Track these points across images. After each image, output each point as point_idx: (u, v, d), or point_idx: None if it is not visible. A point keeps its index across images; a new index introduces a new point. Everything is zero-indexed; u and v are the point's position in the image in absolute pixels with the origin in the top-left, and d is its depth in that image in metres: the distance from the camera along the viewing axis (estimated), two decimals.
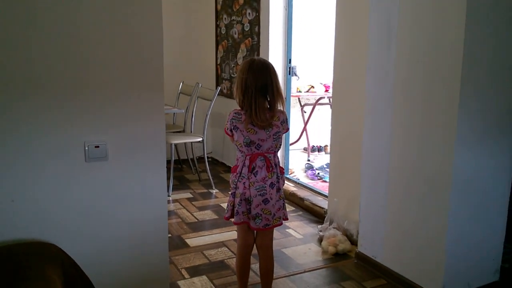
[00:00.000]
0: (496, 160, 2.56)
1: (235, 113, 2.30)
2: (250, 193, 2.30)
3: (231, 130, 2.32)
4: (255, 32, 4.67)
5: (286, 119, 2.36)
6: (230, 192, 2.40)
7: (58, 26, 1.93)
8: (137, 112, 2.14)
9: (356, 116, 3.25)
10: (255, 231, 2.46)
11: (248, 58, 2.36)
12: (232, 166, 2.44)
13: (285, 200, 2.50)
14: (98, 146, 2.05)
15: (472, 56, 2.31)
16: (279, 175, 2.36)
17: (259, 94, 2.22)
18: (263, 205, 2.31)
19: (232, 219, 2.40)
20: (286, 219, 2.46)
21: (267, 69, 2.26)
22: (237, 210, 2.34)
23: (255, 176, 2.30)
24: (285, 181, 4.14)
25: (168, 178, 4.34)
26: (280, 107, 2.34)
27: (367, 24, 2.89)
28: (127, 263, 2.23)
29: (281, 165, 2.43)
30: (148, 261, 2.29)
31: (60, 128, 1.99)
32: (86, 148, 2.03)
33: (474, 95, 2.37)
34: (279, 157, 2.43)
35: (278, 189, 2.36)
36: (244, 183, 2.31)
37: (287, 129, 2.39)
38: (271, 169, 2.32)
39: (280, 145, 2.37)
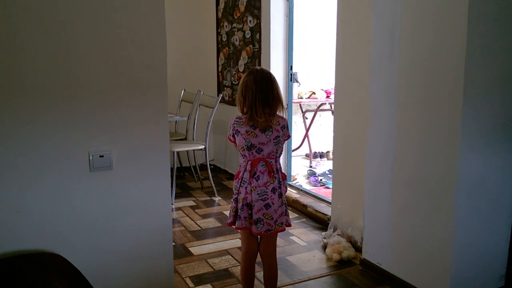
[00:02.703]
0: (502, 163, 2.55)
1: (237, 118, 2.37)
2: (252, 197, 2.31)
3: (233, 136, 2.37)
4: (256, 39, 4.68)
5: (287, 125, 2.39)
6: (232, 198, 2.41)
7: (61, 31, 1.93)
8: (141, 120, 2.14)
9: (358, 121, 3.26)
10: (259, 238, 2.46)
11: (251, 68, 2.43)
12: (235, 174, 2.46)
13: (288, 207, 2.50)
14: (102, 156, 2.04)
15: (476, 58, 2.31)
16: (281, 180, 2.38)
17: (260, 96, 2.28)
18: (264, 210, 2.31)
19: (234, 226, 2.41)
20: (289, 225, 2.47)
21: (268, 76, 2.35)
22: (239, 215, 2.35)
23: (257, 181, 2.31)
24: (288, 188, 4.15)
25: (171, 186, 4.33)
26: (280, 114, 2.39)
27: (369, 29, 2.90)
28: (132, 273, 2.22)
29: (283, 171, 2.44)
30: (153, 271, 2.28)
31: (65, 138, 1.99)
32: (91, 157, 2.03)
33: (478, 97, 2.37)
34: (280, 163, 2.45)
35: (280, 195, 2.37)
36: (246, 187, 2.32)
37: (288, 136, 2.41)
38: (272, 174, 2.33)
39: (281, 150, 2.40)
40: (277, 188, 2.35)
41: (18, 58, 1.88)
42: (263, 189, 2.32)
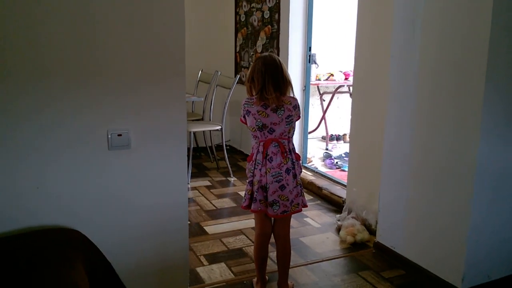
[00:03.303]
0: None
1: (247, 99, 2.39)
2: (267, 180, 2.32)
3: (244, 117, 2.38)
4: (275, 20, 4.63)
5: (298, 105, 2.39)
6: (247, 181, 2.42)
7: (80, 13, 1.94)
8: (159, 100, 2.15)
9: (377, 105, 3.22)
10: (272, 220, 2.48)
11: (258, 55, 2.45)
12: (248, 155, 2.47)
13: (303, 189, 2.50)
14: (120, 135, 2.07)
15: (500, 43, 2.26)
16: (294, 161, 2.38)
17: (270, 78, 2.29)
18: (279, 191, 2.32)
19: (249, 209, 2.42)
20: (305, 206, 2.48)
21: (276, 59, 2.36)
22: (255, 197, 2.36)
23: (270, 163, 2.32)
24: (303, 170, 4.15)
25: (187, 166, 4.37)
26: (291, 94, 2.40)
27: (391, 11, 2.85)
28: (147, 249, 2.26)
29: (297, 152, 2.44)
30: (168, 248, 2.32)
31: (84, 116, 2.01)
32: (109, 136, 2.05)
33: (501, 84, 2.33)
34: (296, 145, 2.44)
35: (295, 175, 2.37)
36: (260, 169, 2.33)
37: (299, 116, 2.42)
38: (285, 154, 2.33)
39: (294, 130, 2.40)
40: (291, 168, 2.35)
41: (42, 39, 1.90)
42: (277, 170, 2.32)
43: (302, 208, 2.46)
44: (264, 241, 2.50)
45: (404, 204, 2.83)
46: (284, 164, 2.33)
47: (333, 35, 6.01)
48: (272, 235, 2.52)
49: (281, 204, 2.34)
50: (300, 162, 2.46)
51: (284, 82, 2.33)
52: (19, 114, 1.90)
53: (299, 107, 2.40)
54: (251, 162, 2.40)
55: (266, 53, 2.43)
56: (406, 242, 2.87)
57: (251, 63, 5.17)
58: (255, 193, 2.36)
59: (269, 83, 2.28)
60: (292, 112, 2.34)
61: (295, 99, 2.40)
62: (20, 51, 1.87)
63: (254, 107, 2.32)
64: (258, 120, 2.31)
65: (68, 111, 1.98)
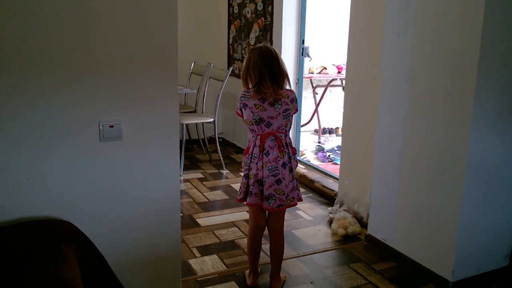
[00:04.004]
0: (509, 145, 2.53)
1: (244, 91, 2.36)
2: (263, 174, 2.31)
3: (241, 110, 2.36)
4: (268, 12, 4.62)
5: (296, 98, 2.38)
6: (243, 174, 2.42)
7: (72, 6, 1.92)
8: (151, 92, 2.14)
9: (369, 99, 3.23)
10: (266, 213, 2.48)
11: (253, 46, 2.43)
12: (244, 149, 2.46)
13: (298, 183, 2.51)
14: (112, 126, 2.05)
15: (492, 36, 2.27)
16: (291, 155, 2.37)
17: (266, 70, 2.27)
18: (276, 185, 2.32)
19: (245, 202, 2.42)
20: (301, 199, 2.48)
21: (272, 51, 2.33)
22: (251, 191, 2.35)
23: (267, 157, 2.31)
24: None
25: (179, 158, 4.36)
26: (288, 87, 2.38)
27: (383, 4, 2.85)
28: (140, 241, 2.25)
29: (293, 146, 2.44)
30: (160, 240, 2.31)
31: (75, 107, 1.99)
32: (101, 127, 2.04)
33: (492, 77, 2.35)
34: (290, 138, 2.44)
35: (291, 169, 2.37)
36: (256, 163, 2.32)
37: (297, 110, 2.40)
38: (282, 148, 2.33)
39: (291, 124, 2.39)
40: (287, 162, 2.35)
41: (34, 33, 1.88)
42: (274, 164, 2.32)
43: (298, 202, 2.47)
44: (258, 234, 2.50)
45: (396, 197, 2.85)
46: (281, 158, 2.33)
47: (326, 28, 6.01)
48: (266, 228, 2.52)
49: (276, 198, 2.34)
50: (296, 156, 2.45)
51: (281, 75, 2.30)
52: (11, 105, 1.88)
53: (296, 100, 2.38)
54: (247, 155, 2.39)
55: (261, 44, 2.40)
56: (397, 235, 2.89)
57: (244, 55, 5.16)
58: (251, 186, 2.36)
59: (266, 76, 2.25)
60: (290, 105, 2.33)
61: (293, 92, 2.38)
62: (12, 46, 1.85)
63: (251, 101, 2.30)
64: (255, 114, 2.30)
65: (60, 103, 1.96)
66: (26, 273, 1.63)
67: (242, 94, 2.35)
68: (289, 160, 2.36)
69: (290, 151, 2.37)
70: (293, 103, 2.35)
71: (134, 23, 2.05)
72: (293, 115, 2.40)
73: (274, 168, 2.31)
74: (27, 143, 1.94)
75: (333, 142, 5.67)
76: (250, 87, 2.34)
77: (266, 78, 2.25)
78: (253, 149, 2.35)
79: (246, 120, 2.34)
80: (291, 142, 2.42)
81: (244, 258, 2.84)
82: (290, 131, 2.47)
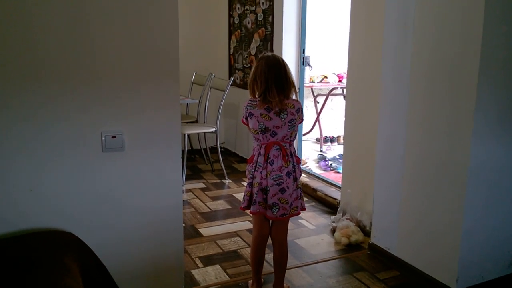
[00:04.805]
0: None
1: (250, 100, 2.35)
2: (267, 182, 2.31)
3: (246, 118, 2.36)
4: (268, 22, 4.64)
5: (301, 108, 2.38)
6: (247, 183, 2.42)
7: (73, 14, 1.94)
8: (153, 102, 2.15)
9: (370, 107, 3.24)
10: (270, 222, 2.48)
11: (262, 54, 2.43)
12: (248, 158, 2.46)
13: (302, 192, 2.50)
14: (114, 137, 2.06)
15: (492, 41, 2.27)
16: (295, 164, 2.37)
17: (273, 80, 2.26)
18: (280, 194, 2.32)
19: (248, 210, 2.42)
20: (304, 209, 2.48)
21: (280, 60, 2.34)
22: (254, 199, 2.35)
23: (272, 166, 2.31)
24: None
25: (181, 168, 4.37)
26: (294, 97, 2.38)
27: (383, 12, 2.86)
28: (142, 252, 2.25)
29: (297, 155, 2.44)
30: (163, 250, 2.31)
31: (77, 118, 2.00)
32: (103, 138, 2.05)
33: (493, 82, 2.34)
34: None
35: (295, 179, 2.37)
36: (261, 172, 2.32)
37: (302, 120, 2.41)
38: (286, 158, 2.32)
39: (296, 134, 2.39)
40: (291, 172, 2.35)
41: (36, 41, 1.89)
42: (278, 173, 2.31)
43: (301, 211, 2.46)
44: (261, 243, 2.49)
45: (398, 205, 2.84)
46: (285, 167, 2.32)
47: (327, 38, 6.03)
48: (269, 237, 2.51)
49: (280, 207, 2.34)
50: (300, 165, 2.45)
51: (288, 84, 2.30)
52: (13, 116, 1.89)
53: (302, 110, 2.38)
54: (251, 164, 2.39)
55: (269, 53, 2.40)
56: (400, 243, 2.88)
57: (245, 65, 5.18)
58: (255, 195, 2.35)
59: (272, 85, 2.25)
60: (295, 116, 2.33)
61: (299, 102, 2.38)
62: (14, 53, 1.87)
63: (257, 110, 2.30)
64: (261, 123, 2.29)
65: (62, 113, 1.97)
66: (28, 283, 1.63)
67: (248, 103, 2.34)
68: (293, 169, 2.36)
69: (294, 161, 2.37)
70: (299, 113, 2.35)
71: (135, 33, 2.06)
72: (298, 125, 2.40)
73: (278, 177, 2.31)
74: (30, 154, 1.94)
75: (335, 150, 5.66)
76: (256, 95, 2.34)
77: (272, 87, 2.25)
78: (257, 158, 2.34)
79: (252, 129, 2.34)
80: (295, 151, 2.42)
81: (247, 268, 2.83)
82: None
